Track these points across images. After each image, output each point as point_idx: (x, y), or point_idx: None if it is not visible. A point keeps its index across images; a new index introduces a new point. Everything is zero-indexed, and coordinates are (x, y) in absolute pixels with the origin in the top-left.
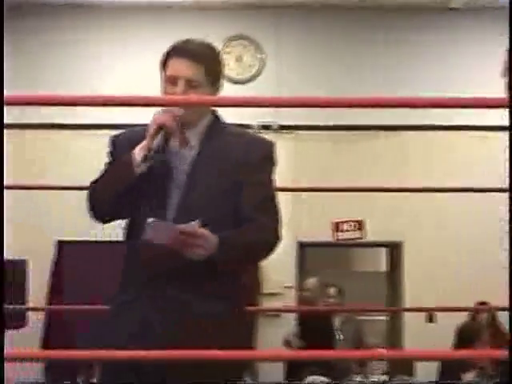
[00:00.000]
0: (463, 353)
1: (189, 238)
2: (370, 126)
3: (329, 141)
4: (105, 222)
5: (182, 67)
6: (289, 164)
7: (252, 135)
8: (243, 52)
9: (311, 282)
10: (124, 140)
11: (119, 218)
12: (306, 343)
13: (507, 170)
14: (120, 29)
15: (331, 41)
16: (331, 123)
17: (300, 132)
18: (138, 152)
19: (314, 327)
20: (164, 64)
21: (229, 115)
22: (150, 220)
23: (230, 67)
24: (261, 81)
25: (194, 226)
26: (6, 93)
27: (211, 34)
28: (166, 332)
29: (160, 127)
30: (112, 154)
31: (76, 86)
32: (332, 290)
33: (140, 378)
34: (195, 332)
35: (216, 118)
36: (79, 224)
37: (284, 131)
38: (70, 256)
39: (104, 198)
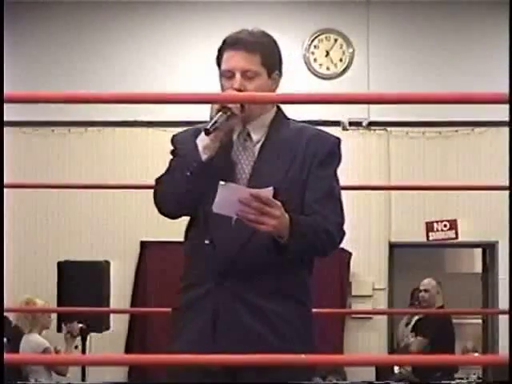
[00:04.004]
0: None
1: (262, 205)
2: (464, 122)
3: (422, 137)
4: (171, 217)
5: (235, 59)
6: (380, 161)
7: (318, 130)
8: (331, 46)
9: (427, 281)
10: (185, 138)
11: (186, 214)
12: (425, 345)
13: None
14: (202, 24)
15: (421, 35)
16: (424, 119)
17: (391, 128)
18: (201, 138)
19: (434, 329)
20: (219, 59)
21: (316, 112)
22: (223, 182)
23: (318, 62)
24: (350, 76)
25: (268, 191)
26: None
27: (298, 27)
28: (231, 331)
29: (223, 106)
30: (174, 151)
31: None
32: None
33: (210, 376)
34: (260, 330)
35: (280, 111)
36: (162, 224)
37: (375, 128)
38: (153, 257)
39: (171, 192)
